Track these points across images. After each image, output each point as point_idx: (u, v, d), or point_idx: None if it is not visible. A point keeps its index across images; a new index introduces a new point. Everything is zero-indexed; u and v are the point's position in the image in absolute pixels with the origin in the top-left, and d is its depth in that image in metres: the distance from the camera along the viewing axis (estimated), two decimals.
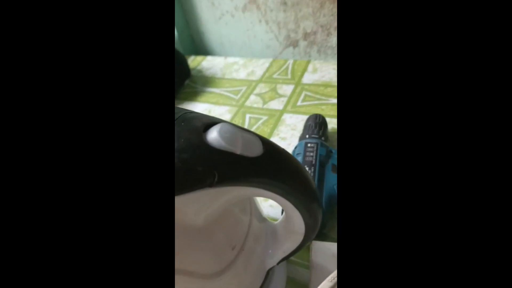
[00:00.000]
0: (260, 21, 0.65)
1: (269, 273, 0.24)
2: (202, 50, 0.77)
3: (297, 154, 0.35)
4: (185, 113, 0.15)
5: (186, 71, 0.63)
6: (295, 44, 0.65)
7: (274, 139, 0.46)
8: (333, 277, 0.15)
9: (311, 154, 0.33)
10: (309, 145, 0.35)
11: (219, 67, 0.66)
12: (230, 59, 0.67)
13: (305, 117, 0.43)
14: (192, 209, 0.15)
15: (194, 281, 0.17)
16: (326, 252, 0.26)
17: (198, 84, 0.63)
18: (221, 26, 0.70)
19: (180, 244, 0.15)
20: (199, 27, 0.73)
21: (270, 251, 0.23)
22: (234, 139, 0.14)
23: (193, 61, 0.70)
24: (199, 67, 0.68)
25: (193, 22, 0.73)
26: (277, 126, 0.48)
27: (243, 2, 0.63)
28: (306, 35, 0.63)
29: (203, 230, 0.16)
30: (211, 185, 0.14)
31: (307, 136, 0.37)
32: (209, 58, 0.70)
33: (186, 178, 0.14)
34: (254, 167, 0.15)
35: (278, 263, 0.23)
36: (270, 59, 0.64)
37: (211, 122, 0.15)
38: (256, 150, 0.15)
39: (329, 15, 0.58)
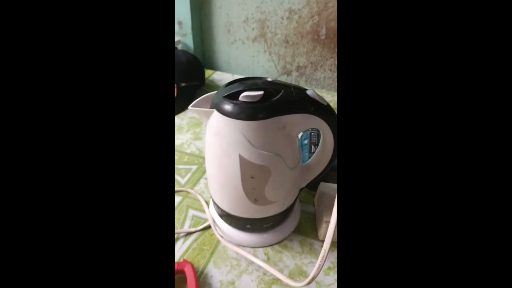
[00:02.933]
0: (265, 51, 0.84)
1: (299, 193, 0.40)
2: (210, 65, 0.93)
3: (305, 138, 0.52)
4: (292, 84, 0.32)
5: (202, 79, 0.78)
6: (289, 73, 0.85)
7: None
8: None
9: (314, 138, 0.51)
10: (312, 133, 0.52)
11: (228, 80, 0.82)
12: (237, 76, 0.84)
13: None
14: (298, 124, 0.31)
15: (284, 166, 0.32)
16: (329, 189, 0.42)
17: (211, 90, 0.78)
18: (231, 50, 0.87)
19: (286, 143, 0.31)
20: (212, 47, 0.90)
21: (304, 176, 0.39)
22: (317, 95, 0.31)
23: (205, 73, 0.85)
24: (210, 78, 0.84)
25: (207, 41, 0.89)
26: None
27: (255, 35, 0.82)
28: (298, 68, 0.83)
29: (293, 140, 0.32)
30: (309, 112, 0.30)
31: (310, 128, 0.54)
32: (218, 72, 0.86)
33: (301, 107, 0.30)
34: (324, 108, 0.32)
35: (306, 186, 0.39)
36: None
37: (306, 88, 0.32)
38: (324, 102, 0.32)
39: (318, 56, 0.79)
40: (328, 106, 0.32)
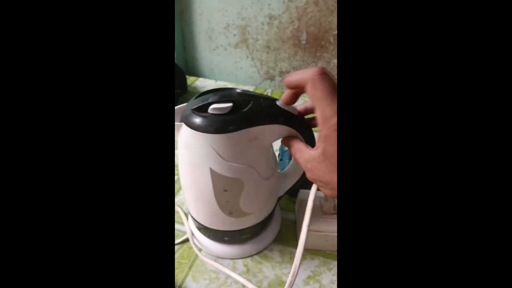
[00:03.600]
0: (247, 57, 0.84)
1: (278, 201, 0.39)
2: (193, 72, 0.92)
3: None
4: (262, 94, 0.32)
5: (184, 87, 0.78)
6: (272, 78, 0.85)
7: None
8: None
9: None
10: None
11: (211, 87, 0.82)
12: (220, 82, 0.84)
13: None
14: (269, 135, 0.31)
15: (258, 177, 0.32)
16: (308, 196, 0.42)
17: None
18: (214, 56, 0.87)
19: (259, 154, 0.31)
20: (194, 53, 0.89)
21: (282, 184, 0.38)
22: (288, 106, 0.31)
23: (187, 80, 0.84)
24: (193, 85, 0.83)
25: (189, 48, 0.89)
26: None
27: (236, 41, 0.82)
28: (281, 73, 0.83)
29: (266, 150, 0.32)
30: (279, 123, 0.30)
31: None
32: (201, 79, 0.86)
33: (271, 118, 0.30)
34: (295, 118, 0.31)
35: (284, 194, 0.39)
36: (253, 87, 0.82)
37: (276, 98, 0.32)
38: (295, 112, 0.32)
39: (300, 60, 0.79)
40: (298, 115, 0.32)
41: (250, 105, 0.30)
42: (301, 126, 0.32)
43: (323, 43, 0.75)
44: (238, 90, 0.32)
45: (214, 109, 0.29)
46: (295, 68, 0.81)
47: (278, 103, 0.31)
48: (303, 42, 0.76)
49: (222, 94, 0.31)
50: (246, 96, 0.31)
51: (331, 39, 0.74)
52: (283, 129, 0.31)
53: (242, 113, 0.29)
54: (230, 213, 0.33)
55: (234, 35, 0.81)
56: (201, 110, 0.30)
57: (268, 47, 0.80)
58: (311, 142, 0.34)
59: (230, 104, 0.29)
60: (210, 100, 0.30)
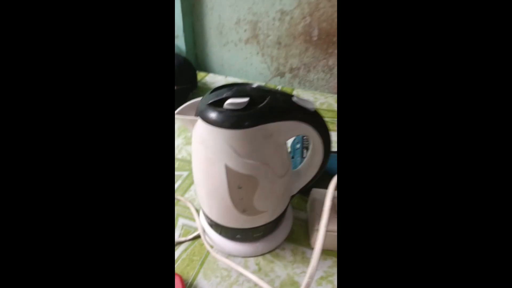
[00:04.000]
0: (257, 53, 0.83)
1: (290, 200, 0.38)
2: (203, 67, 0.92)
3: (297, 143, 0.51)
4: (276, 90, 0.31)
5: (194, 82, 0.77)
6: (282, 75, 0.84)
7: None
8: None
9: (307, 142, 0.50)
10: (304, 137, 0.51)
11: (221, 83, 0.81)
12: (230, 78, 0.83)
13: None
14: (285, 132, 0.30)
15: (273, 174, 0.31)
16: (321, 195, 0.41)
17: (204, 93, 0.77)
18: (224, 52, 0.86)
19: (274, 151, 0.30)
20: (205, 49, 0.88)
21: (295, 183, 0.38)
22: (304, 102, 0.30)
23: (198, 75, 0.84)
24: (203, 81, 0.82)
25: (200, 43, 0.88)
26: None
27: (247, 36, 0.81)
28: (291, 69, 0.82)
29: (281, 147, 0.31)
30: (296, 119, 0.29)
31: None
32: (211, 75, 0.85)
33: (288, 114, 0.29)
34: (311, 115, 0.31)
35: (297, 193, 0.38)
36: (263, 83, 0.81)
37: (291, 94, 0.31)
38: (312, 109, 0.31)
39: (311, 57, 0.78)
40: (315, 112, 0.31)
41: (266, 100, 0.29)
42: (318, 123, 0.31)
43: (335, 39, 0.73)
44: (254, 85, 0.32)
45: (230, 104, 0.28)
46: (306, 65, 0.80)
47: (294, 99, 0.30)
48: (315, 38, 0.75)
49: (237, 89, 0.31)
50: (263, 91, 0.30)
51: None
52: (300, 126, 0.30)
53: (258, 108, 0.28)
54: (244, 211, 0.33)
55: (245, 30, 0.80)
56: (217, 104, 0.29)
57: (279, 43, 0.79)
58: (326, 139, 0.33)
59: (246, 99, 0.28)
60: (225, 95, 0.29)
